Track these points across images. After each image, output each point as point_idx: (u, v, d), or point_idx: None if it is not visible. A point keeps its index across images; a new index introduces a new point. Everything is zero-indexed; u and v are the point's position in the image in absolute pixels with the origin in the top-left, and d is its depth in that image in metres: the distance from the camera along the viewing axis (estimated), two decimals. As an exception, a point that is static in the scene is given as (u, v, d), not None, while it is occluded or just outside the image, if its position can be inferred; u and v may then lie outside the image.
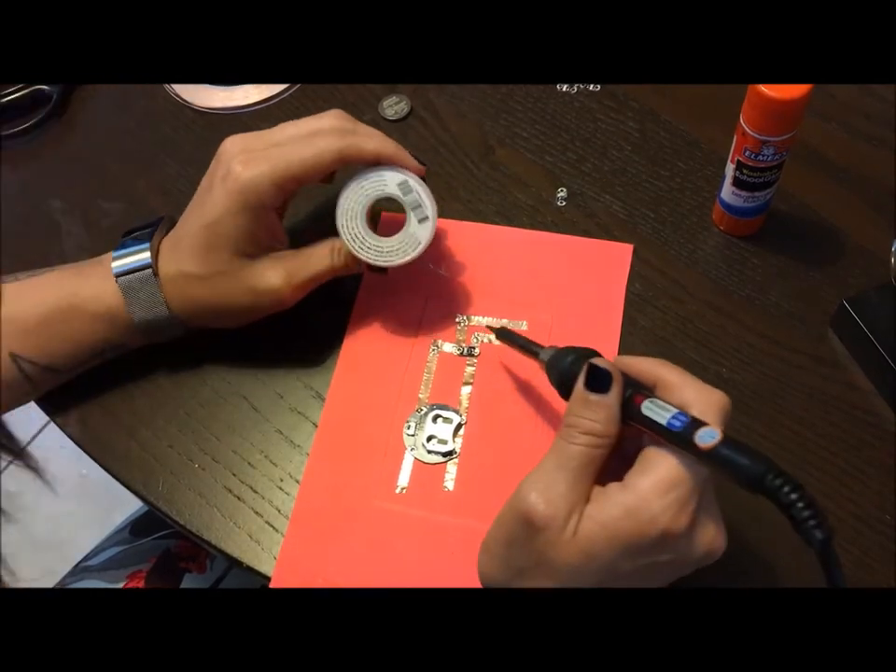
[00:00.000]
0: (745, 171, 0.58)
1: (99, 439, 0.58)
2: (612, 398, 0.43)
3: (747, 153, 0.57)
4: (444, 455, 0.56)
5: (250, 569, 0.53)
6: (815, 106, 0.60)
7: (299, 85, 0.72)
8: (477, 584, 0.50)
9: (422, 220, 0.56)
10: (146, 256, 0.55)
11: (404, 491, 0.55)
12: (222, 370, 0.60)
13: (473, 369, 0.59)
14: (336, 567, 0.52)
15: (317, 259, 0.57)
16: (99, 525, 1.32)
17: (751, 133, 0.55)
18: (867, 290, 0.58)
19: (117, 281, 0.54)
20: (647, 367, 0.45)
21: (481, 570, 0.45)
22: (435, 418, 0.57)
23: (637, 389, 0.44)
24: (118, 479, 0.57)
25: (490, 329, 0.59)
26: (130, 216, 0.67)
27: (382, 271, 0.58)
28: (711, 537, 0.41)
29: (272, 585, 0.52)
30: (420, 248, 0.56)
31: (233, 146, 0.54)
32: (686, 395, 0.42)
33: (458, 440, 0.56)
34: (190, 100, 0.72)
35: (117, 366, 0.60)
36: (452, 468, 0.55)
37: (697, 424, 0.40)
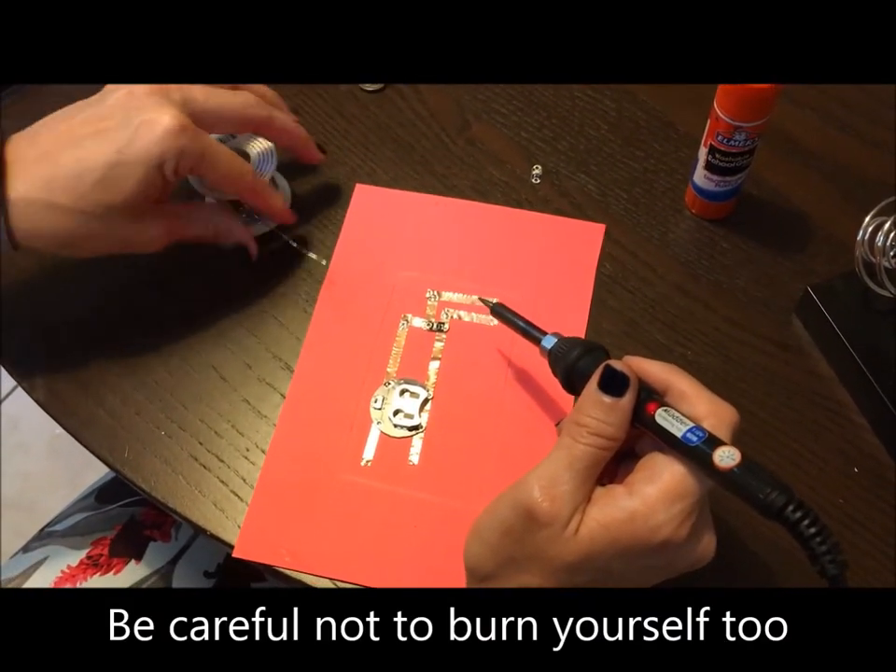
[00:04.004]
0: (717, 155, 0.57)
1: (65, 405, 0.57)
2: (626, 402, 0.42)
3: (719, 138, 0.56)
4: (410, 429, 0.55)
5: (214, 537, 0.53)
6: (790, 92, 0.59)
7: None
8: (439, 558, 0.51)
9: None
10: None
11: (369, 464, 0.54)
12: (191, 338, 0.59)
13: (442, 344, 0.58)
14: (299, 538, 0.52)
15: (197, 224, 0.58)
16: (70, 485, 1.31)
17: (724, 119, 0.54)
18: (832, 278, 0.58)
19: None
20: (658, 371, 0.44)
21: (468, 553, 0.44)
22: (402, 392, 0.56)
23: (648, 395, 0.43)
24: (84, 445, 0.56)
25: (484, 302, 0.56)
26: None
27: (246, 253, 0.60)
28: (704, 545, 0.41)
29: (235, 554, 0.52)
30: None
31: (155, 94, 0.52)
32: (698, 407, 0.42)
33: (425, 414, 0.56)
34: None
35: (85, 332, 0.59)
36: (417, 442, 0.55)
37: (714, 441, 0.40)
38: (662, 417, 0.41)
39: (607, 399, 0.42)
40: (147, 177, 0.52)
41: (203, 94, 0.54)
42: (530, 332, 0.52)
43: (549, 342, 0.50)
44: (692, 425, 0.40)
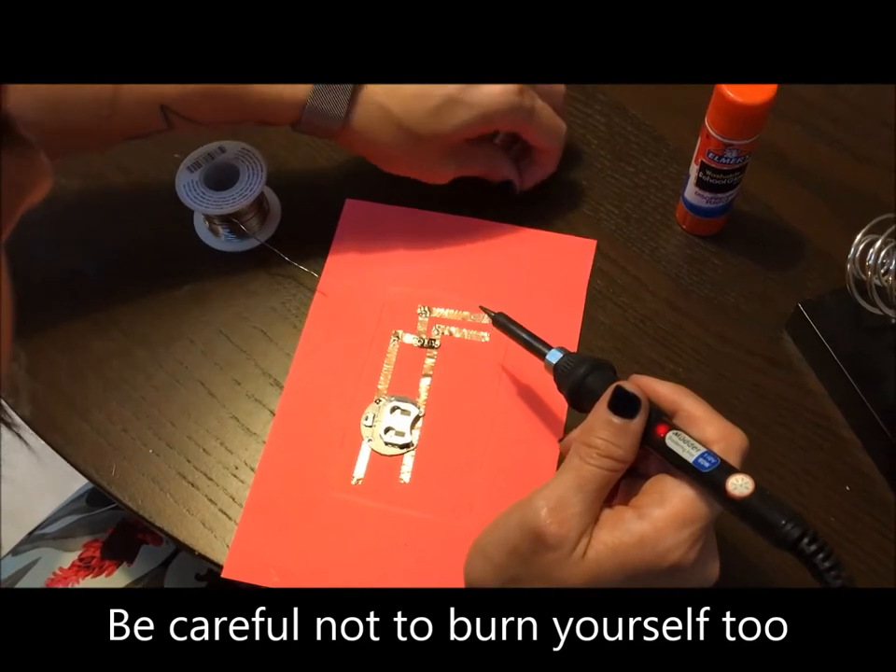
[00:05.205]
0: (708, 172, 0.60)
1: (51, 421, 0.58)
2: (637, 424, 0.43)
3: (710, 155, 0.59)
4: (401, 447, 0.57)
5: (203, 557, 0.54)
6: (780, 108, 0.61)
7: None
8: (431, 577, 0.52)
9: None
10: (349, 86, 0.57)
11: (360, 482, 0.56)
12: (179, 353, 0.61)
13: (433, 361, 0.60)
14: (289, 557, 0.54)
15: (479, 163, 0.64)
16: (57, 493, 1.32)
17: (715, 136, 0.57)
18: (823, 294, 0.60)
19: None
20: (667, 392, 0.45)
21: (470, 570, 0.45)
22: (393, 409, 0.58)
23: (658, 416, 0.44)
24: (70, 462, 0.57)
25: (485, 312, 0.57)
26: (87, 192, 0.67)
27: (511, 190, 0.66)
28: (710, 568, 0.43)
29: (224, 574, 0.53)
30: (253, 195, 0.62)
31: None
32: (708, 431, 0.43)
33: (416, 432, 0.58)
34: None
35: (70, 345, 0.61)
36: (408, 460, 0.57)
37: (726, 468, 0.41)
38: (672, 441, 0.42)
39: (617, 420, 0.43)
40: (475, 120, 0.58)
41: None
42: (534, 346, 0.53)
43: (554, 356, 0.51)
44: (703, 450, 0.41)
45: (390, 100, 0.58)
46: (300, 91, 0.57)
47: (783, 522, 0.39)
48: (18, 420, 0.41)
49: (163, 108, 0.56)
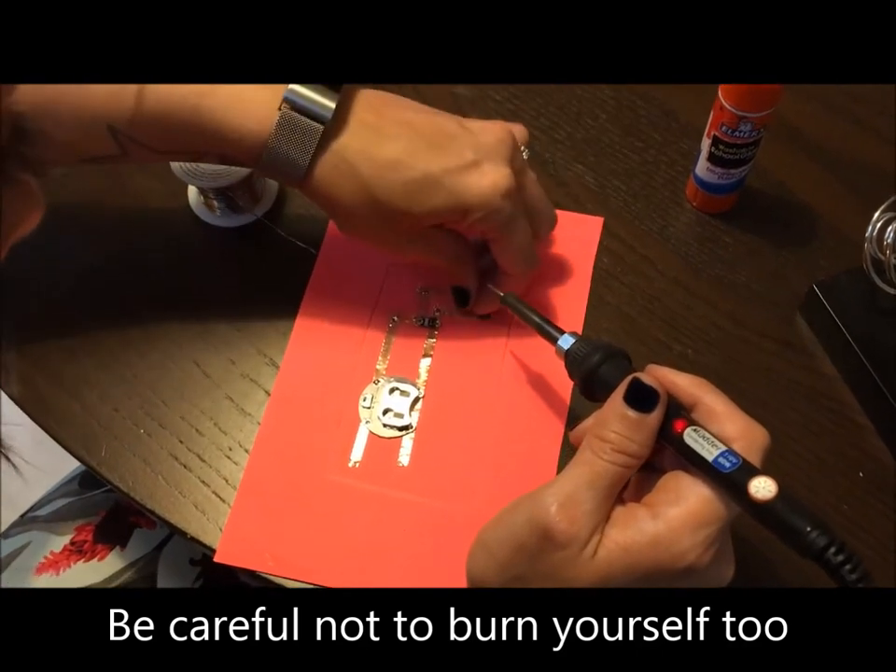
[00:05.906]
0: (721, 147, 0.59)
1: (40, 399, 0.58)
2: (654, 419, 0.42)
3: (723, 129, 0.57)
4: (400, 429, 0.56)
5: (195, 541, 0.53)
6: (796, 84, 0.61)
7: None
8: (429, 563, 0.52)
9: None
10: (330, 104, 0.51)
11: (357, 465, 0.55)
12: (173, 332, 0.60)
13: (434, 341, 0.59)
14: (283, 541, 0.53)
15: (445, 253, 0.57)
16: (51, 477, 1.33)
17: (729, 109, 0.56)
18: (837, 275, 0.59)
19: (279, 108, 0.51)
20: (686, 385, 0.44)
21: (473, 565, 0.44)
22: (392, 390, 0.57)
23: (676, 411, 0.43)
24: (59, 442, 0.56)
25: (493, 290, 0.56)
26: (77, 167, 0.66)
27: (464, 302, 0.59)
28: (724, 570, 0.42)
29: (216, 559, 0.52)
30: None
31: (515, 152, 0.54)
32: (728, 428, 0.42)
33: (415, 414, 0.57)
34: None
35: (61, 322, 0.60)
36: (407, 442, 0.56)
37: (749, 469, 0.39)
38: (691, 438, 0.41)
39: (633, 414, 0.42)
40: (450, 207, 0.52)
41: (532, 181, 0.57)
42: (545, 329, 0.52)
43: (566, 342, 0.49)
44: (723, 448, 0.40)
45: (362, 160, 0.52)
46: (263, 128, 0.51)
47: (808, 529, 0.38)
48: (6, 441, 0.41)
49: (111, 129, 0.51)
